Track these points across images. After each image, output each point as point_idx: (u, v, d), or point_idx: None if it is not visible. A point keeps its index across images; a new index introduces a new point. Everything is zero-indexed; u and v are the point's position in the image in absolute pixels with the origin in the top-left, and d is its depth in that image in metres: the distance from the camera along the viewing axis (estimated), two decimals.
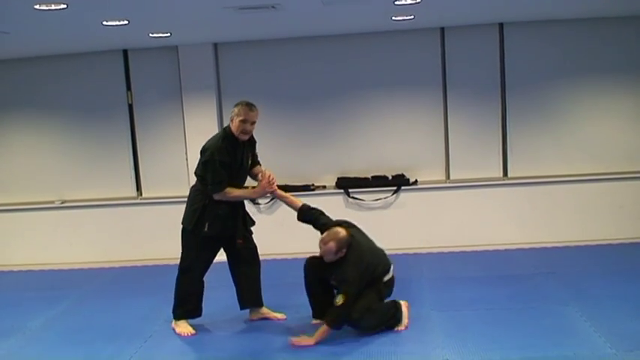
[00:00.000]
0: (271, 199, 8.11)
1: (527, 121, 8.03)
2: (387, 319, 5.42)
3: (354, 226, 5.56)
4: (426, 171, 8.21)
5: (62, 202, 8.59)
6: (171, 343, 5.58)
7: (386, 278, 5.50)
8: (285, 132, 8.33)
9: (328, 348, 5.16)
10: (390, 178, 8.14)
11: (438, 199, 8.08)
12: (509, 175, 8.10)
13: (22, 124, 8.70)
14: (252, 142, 5.83)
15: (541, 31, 7.90)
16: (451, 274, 7.04)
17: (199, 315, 5.84)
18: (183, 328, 5.74)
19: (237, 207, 5.76)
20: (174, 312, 5.81)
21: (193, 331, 5.72)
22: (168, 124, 8.38)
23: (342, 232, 5.30)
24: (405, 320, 5.49)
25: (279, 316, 5.97)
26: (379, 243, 7.72)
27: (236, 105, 5.61)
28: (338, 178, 8.23)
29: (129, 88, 8.45)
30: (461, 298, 6.18)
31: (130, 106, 8.48)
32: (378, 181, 8.14)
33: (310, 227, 8.01)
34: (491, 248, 7.85)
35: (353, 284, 5.17)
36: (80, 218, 8.48)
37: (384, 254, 5.60)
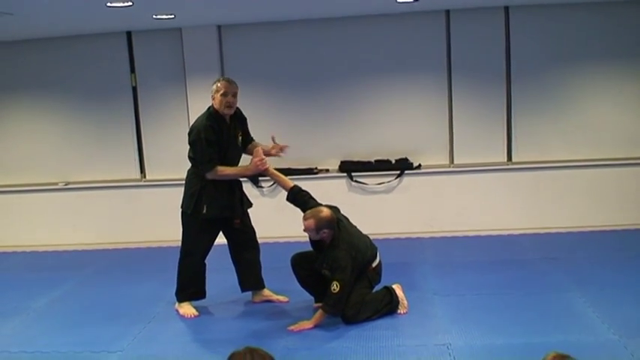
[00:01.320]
0: (274, 182, 8.09)
1: (532, 106, 7.99)
2: (383, 307, 5.41)
3: (340, 213, 5.52)
4: (430, 155, 8.19)
5: (66, 184, 8.59)
6: (174, 325, 5.60)
7: (374, 264, 5.49)
8: (288, 115, 8.30)
9: (329, 332, 5.17)
10: (394, 162, 8.12)
11: (441, 184, 8.06)
12: (513, 160, 8.07)
13: (26, 106, 8.70)
14: (241, 118, 5.81)
15: (547, 15, 7.85)
16: (454, 259, 7.04)
17: (203, 297, 5.86)
18: (186, 309, 5.76)
19: (234, 188, 5.75)
20: (177, 295, 5.83)
21: (196, 313, 5.74)
22: (171, 107, 8.37)
23: (324, 211, 5.29)
24: (403, 302, 5.49)
25: (281, 298, 5.99)
26: (382, 227, 7.78)
27: (214, 82, 5.63)
28: (341, 162, 8.22)
29: (133, 70, 8.43)
30: (464, 283, 6.18)
31: (134, 89, 8.46)
32: (381, 165, 8.12)
33: None
34: (494, 233, 7.84)
35: (346, 270, 5.17)
36: (84, 200, 8.48)
37: (370, 240, 5.58)
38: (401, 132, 8.19)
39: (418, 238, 7.89)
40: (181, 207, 5.75)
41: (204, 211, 5.61)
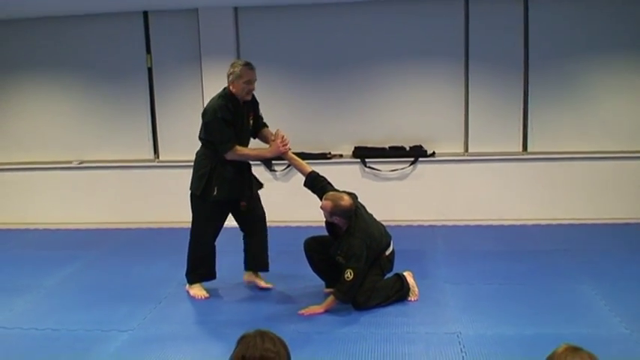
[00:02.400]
0: (288, 166, 8.09)
1: (549, 96, 7.94)
2: (393, 294, 5.41)
3: (357, 200, 5.48)
4: (445, 143, 8.15)
5: (80, 163, 8.62)
6: (185, 306, 5.61)
7: (387, 252, 5.48)
8: (303, 99, 8.29)
9: (339, 317, 5.17)
10: (408, 149, 8.09)
11: (455, 172, 8.02)
12: (528, 149, 8.02)
13: (42, 84, 8.72)
14: (254, 102, 5.78)
15: (566, 5, 7.78)
16: (466, 248, 7.02)
17: (214, 277, 5.87)
18: (197, 290, 5.78)
19: (243, 170, 5.74)
20: (187, 276, 5.84)
21: (207, 295, 5.75)
22: (186, 88, 8.36)
23: (345, 198, 5.26)
24: (414, 289, 5.49)
25: (267, 285, 5.94)
26: (394, 214, 7.77)
27: (233, 65, 5.58)
28: (355, 148, 8.20)
29: (148, 51, 8.42)
30: (475, 272, 6.17)
31: (150, 69, 8.46)
32: (395, 152, 8.10)
33: None
34: (507, 223, 7.81)
35: (361, 258, 5.16)
36: (98, 179, 8.51)
37: (384, 228, 5.55)
38: (416, 119, 8.15)
39: (430, 226, 7.87)
40: (190, 189, 5.74)
41: (215, 192, 5.59)
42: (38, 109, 8.73)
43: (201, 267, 5.81)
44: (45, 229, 8.48)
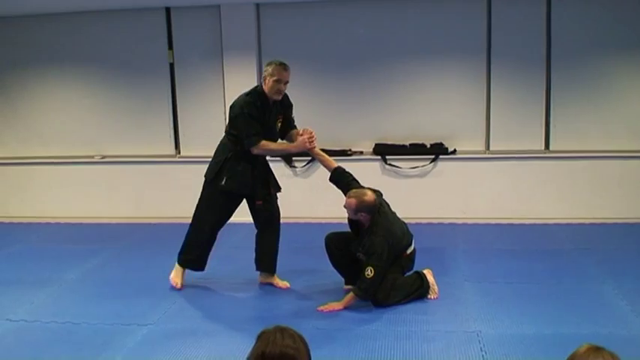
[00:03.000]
0: (307, 163, 8.09)
1: (571, 94, 7.88)
2: (413, 291, 5.39)
3: (381, 198, 5.47)
4: (466, 141, 8.12)
5: (102, 158, 8.67)
6: (205, 301, 5.63)
7: (409, 251, 5.46)
8: (324, 96, 8.28)
9: (359, 314, 5.16)
10: (429, 146, 8.07)
11: (476, 170, 7.99)
12: (550, 148, 7.97)
13: (64, 79, 8.78)
14: (285, 104, 5.77)
15: (589, 2, 7.72)
16: (486, 246, 6.99)
17: (201, 269, 5.90)
18: (175, 277, 5.85)
19: (258, 167, 5.73)
20: (178, 256, 5.87)
21: (179, 286, 5.80)
22: (208, 84, 8.38)
23: (368, 194, 5.25)
24: (434, 287, 5.47)
25: (283, 284, 5.93)
26: (414, 211, 7.75)
27: (268, 64, 5.56)
28: (375, 145, 8.18)
29: (170, 47, 8.45)
30: (495, 270, 6.14)
31: (172, 65, 8.48)
32: (415, 149, 8.07)
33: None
34: (528, 222, 7.77)
35: (382, 256, 5.15)
36: (119, 174, 8.55)
37: (406, 226, 5.54)
38: (437, 116, 8.13)
39: (451, 224, 7.85)
40: (204, 175, 5.79)
41: (223, 182, 5.62)
42: (61, 104, 8.79)
43: (190, 253, 5.84)
44: (66, 223, 8.55)
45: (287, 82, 5.55)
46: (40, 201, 8.79)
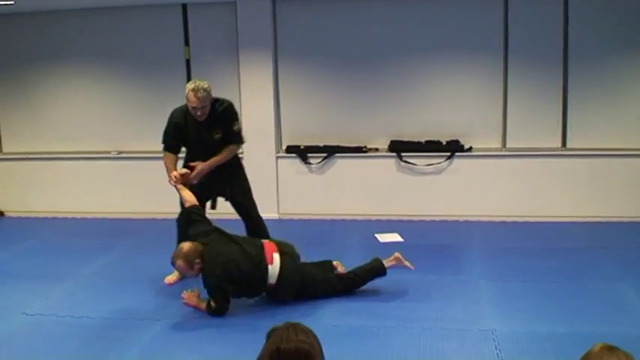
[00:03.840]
0: (322, 159, 8.09)
1: (588, 91, 7.80)
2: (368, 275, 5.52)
3: (210, 235, 5.34)
4: (482, 138, 8.07)
5: (118, 153, 8.70)
6: None
7: (270, 281, 5.27)
8: (339, 92, 8.26)
9: (373, 311, 5.17)
10: (444, 143, 8.03)
11: (492, 167, 7.94)
12: (567, 146, 7.92)
13: (81, 75, 8.81)
14: (224, 118, 5.80)
15: None
16: (502, 244, 6.96)
17: None
18: (170, 276, 5.94)
19: (219, 173, 5.86)
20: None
21: (172, 282, 5.89)
22: (224, 81, 8.37)
23: (184, 246, 5.17)
24: (404, 263, 5.57)
25: None
26: (429, 208, 7.76)
27: (188, 84, 5.68)
28: (391, 141, 8.15)
29: (187, 43, 8.46)
30: (510, 268, 6.11)
31: (188, 61, 8.50)
32: (431, 146, 8.03)
33: (358, 189, 8.06)
34: (544, 220, 7.73)
35: (216, 289, 5.13)
36: (135, 170, 8.57)
37: (256, 254, 5.28)
38: (453, 113, 8.09)
39: (466, 222, 7.82)
40: None
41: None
42: (77, 99, 8.83)
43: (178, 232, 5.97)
44: (82, 218, 8.59)
45: (203, 107, 5.58)
46: (56, 196, 8.83)
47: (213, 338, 4.81)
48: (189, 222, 5.49)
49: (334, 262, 5.73)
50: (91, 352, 4.64)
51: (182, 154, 5.97)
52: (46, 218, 8.70)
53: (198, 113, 5.59)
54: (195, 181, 5.71)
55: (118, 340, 4.80)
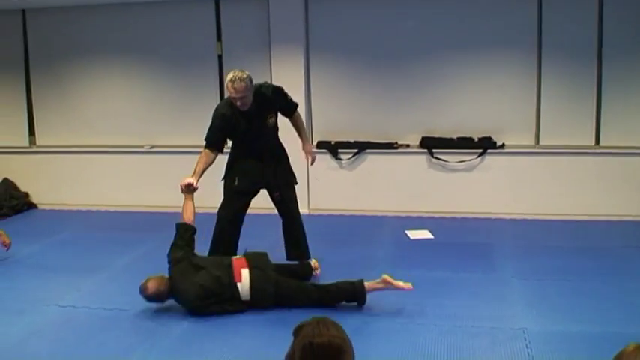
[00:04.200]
0: (353, 155, 8.08)
1: (622, 89, 7.69)
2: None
3: (184, 262, 5.33)
4: (514, 135, 8.00)
5: (151, 147, 8.75)
6: None
7: (243, 298, 5.23)
8: (371, 88, 8.23)
9: (402, 308, 5.15)
10: (476, 140, 7.97)
11: (525, 165, 7.87)
12: (601, 143, 7.83)
13: (115, 70, 8.88)
14: (271, 99, 5.81)
15: None
16: (534, 243, 6.90)
17: None
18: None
19: (267, 160, 5.85)
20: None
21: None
22: (255, 76, 8.23)
23: (149, 284, 5.19)
24: (399, 285, 5.17)
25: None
26: (461, 206, 7.73)
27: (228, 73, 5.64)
28: (422, 138, 8.11)
29: (219, 38, 8.49)
30: (543, 267, 6.06)
31: (220, 57, 8.53)
32: (463, 143, 7.98)
33: (389, 185, 8.03)
34: (577, 218, 7.64)
35: (187, 304, 5.18)
36: (167, 164, 8.60)
37: (222, 274, 5.22)
38: (485, 110, 8.03)
39: (498, 219, 7.76)
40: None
41: (236, 183, 5.84)
42: (110, 94, 8.90)
43: (216, 249, 5.89)
44: (115, 212, 8.67)
45: (243, 97, 5.54)
46: (88, 189, 8.92)
47: (244, 332, 4.84)
48: (172, 243, 5.52)
49: (312, 261, 5.85)
50: (123, 344, 4.69)
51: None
52: (78, 211, 8.80)
53: (238, 103, 5.56)
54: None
55: (150, 333, 4.84)
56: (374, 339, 4.60)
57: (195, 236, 5.56)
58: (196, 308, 5.12)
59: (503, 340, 4.55)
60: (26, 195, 9.09)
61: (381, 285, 5.15)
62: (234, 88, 5.48)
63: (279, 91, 5.87)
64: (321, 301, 5.16)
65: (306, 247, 6.07)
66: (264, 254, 5.51)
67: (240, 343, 4.67)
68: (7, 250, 6.61)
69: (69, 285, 5.88)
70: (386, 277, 5.15)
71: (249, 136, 5.75)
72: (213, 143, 5.76)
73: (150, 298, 5.19)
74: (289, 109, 5.98)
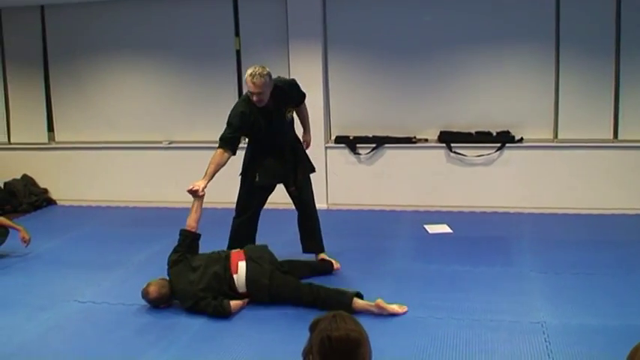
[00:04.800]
0: (372, 150, 8.07)
1: None
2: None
3: (182, 263, 5.37)
4: (533, 129, 7.97)
5: (169, 143, 8.79)
6: None
7: (240, 290, 5.24)
8: (388, 83, 8.22)
9: (420, 301, 5.15)
10: (495, 134, 7.95)
11: (543, 159, 7.84)
12: (619, 137, 7.78)
13: (133, 66, 8.93)
14: (288, 94, 5.82)
15: None
16: (553, 237, 6.87)
17: None
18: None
19: (286, 155, 5.85)
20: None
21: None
22: (274, 71, 8.24)
23: (150, 288, 5.23)
24: (394, 310, 5.02)
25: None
26: (479, 200, 7.70)
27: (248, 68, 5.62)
28: (441, 132, 8.10)
29: (237, 34, 8.51)
30: (562, 261, 6.03)
31: (238, 52, 8.55)
32: (481, 137, 7.96)
33: (408, 180, 8.02)
34: (596, 212, 7.61)
35: (185, 303, 5.17)
36: (186, 159, 8.63)
37: (219, 270, 5.25)
38: (503, 103, 8.00)
39: (517, 213, 7.73)
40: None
41: (257, 179, 5.83)
42: (129, 90, 8.94)
43: (235, 243, 5.88)
44: (134, 207, 8.71)
45: (260, 93, 5.53)
46: (107, 185, 8.98)
47: (262, 327, 4.85)
48: (174, 247, 5.54)
49: (333, 261, 5.90)
50: (142, 339, 4.72)
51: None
52: (98, 207, 8.85)
53: (255, 99, 5.55)
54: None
55: (169, 328, 4.87)
56: (392, 333, 4.60)
57: (199, 242, 5.59)
58: (192, 307, 5.12)
59: (522, 333, 4.55)
60: (45, 191, 9.15)
61: (374, 309, 4.94)
62: (254, 83, 5.48)
63: (294, 85, 5.91)
64: (313, 305, 5.07)
65: (321, 239, 6.12)
66: (264, 247, 5.54)
67: (259, 339, 4.69)
68: (26, 246, 6.66)
69: (88, 281, 5.92)
70: (379, 302, 4.96)
71: (269, 132, 5.74)
72: (229, 143, 5.68)
73: (153, 302, 5.23)
74: (301, 100, 6.02)
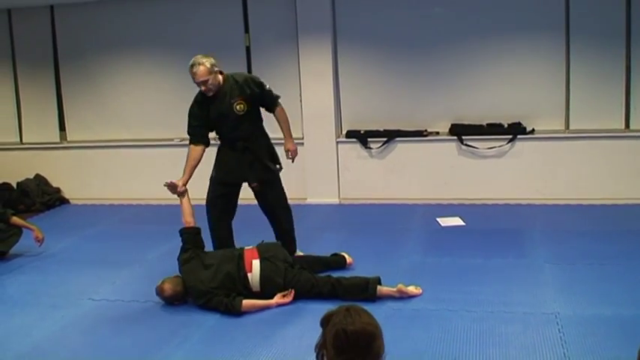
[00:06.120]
0: (383, 144, 8.07)
1: None
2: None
3: (194, 260, 5.35)
4: (544, 120, 7.94)
5: (181, 140, 8.79)
6: None
7: (253, 289, 5.22)
8: (399, 76, 8.21)
9: (433, 294, 5.15)
10: (506, 126, 7.93)
11: (555, 150, 7.81)
12: (631, 127, 7.75)
13: (143, 63, 8.96)
14: (243, 86, 5.76)
15: None
16: (566, 227, 6.85)
17: None
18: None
19: (247, 152, 5.78)
20: None
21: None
22: (283, 67, 8.41)
23: (165, 286, 5.23)
24: (408, 291, 5.16)
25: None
26: (491, 192, 7.68)
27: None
28: (452, 125, 8.08)
29: (247, 30, 8.51)
30: (575, 251, 6.01)
31: (248, 48, 8.55)
32: (493, 129, 7.94)
33: (419, 173, 8.01)
34: (608, 202, 7.57)
35: (199, 298, 5.15)
36: None
37: (233, 268, 5.23)
38: (514, 95, 7.97)
39: (529, 205, 7.71)
40: None
41: (214, 173, 5.89)
42: (139, 87, 8.97)
43: (214, 247, 5.89)
44: (146, 205, 8.73)
45: (205, 81, 5.54)
46: (120, 183, 9.01)
47: (276, 322, 4.86)
48: (181, 247, 5.55)
49: (345, 255, 5.86)
50: (156, 335, 4.73)
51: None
52: (110, 205, 8.88)
53: (202, 88, 5.58)
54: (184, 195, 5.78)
55: (182, 325, 4.88)
56: (405, 326, 4.60)
57: (201, 235, 5.62)
58: (205, 305, 5.13)
59: (536, 325, 4.53)
60: (58, 190, 9.20)
61: (396, 294, 5.08)
62: (194, 73, 5.53)
63: (252, 79, 5.84)
64: (334, 296, 5.10)
65: (293, 240, 6.02)
66: (277, 245, 5.55)
67: (272, 334, 4.69)
68: (40, 245, 6.69)
69: (102, 279, 5.94)
70: (401, 286, 5.10)
71: (223, 125, 5.75)
72: (194, 134, 5.76)
73: (168, 299, 5.24)
74: (269, 101, 5.90)
